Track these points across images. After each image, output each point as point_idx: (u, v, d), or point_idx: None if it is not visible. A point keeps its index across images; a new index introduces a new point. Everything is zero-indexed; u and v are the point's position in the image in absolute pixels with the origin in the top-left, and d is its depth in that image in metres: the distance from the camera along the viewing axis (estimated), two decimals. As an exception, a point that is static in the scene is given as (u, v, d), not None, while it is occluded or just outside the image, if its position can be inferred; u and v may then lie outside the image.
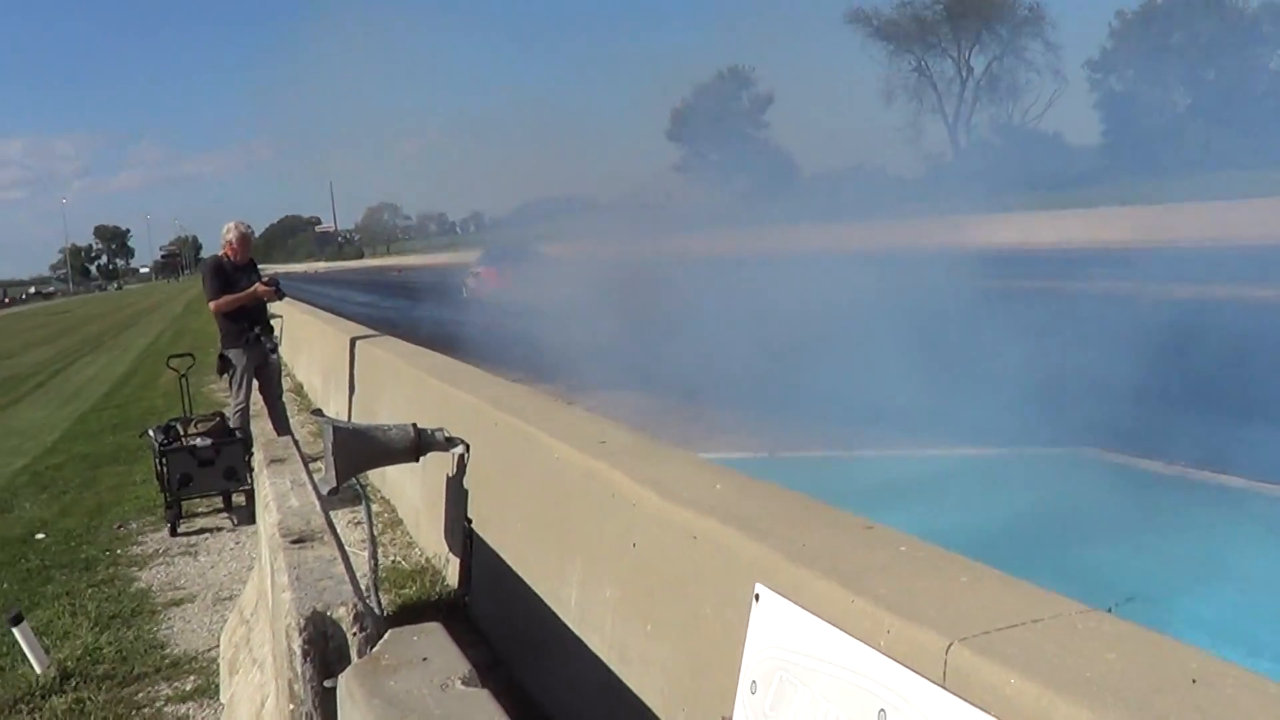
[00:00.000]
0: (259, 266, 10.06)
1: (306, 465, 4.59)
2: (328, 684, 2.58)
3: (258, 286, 9.38)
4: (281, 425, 9.74)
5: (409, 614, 5.62)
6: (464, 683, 2.26)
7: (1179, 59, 66.35)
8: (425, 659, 2.41)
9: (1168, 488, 7.93)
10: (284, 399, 10.44)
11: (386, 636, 2.56)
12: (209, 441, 8.12)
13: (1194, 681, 1.80)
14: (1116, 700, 1.75)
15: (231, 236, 9.51)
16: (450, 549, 6.13)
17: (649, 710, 3.35)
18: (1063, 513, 7.31)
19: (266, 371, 9.74)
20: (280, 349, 10.23)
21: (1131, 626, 2.06)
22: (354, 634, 2.63)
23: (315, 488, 4.13)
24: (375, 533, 6.32)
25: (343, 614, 2.65)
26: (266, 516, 3.98)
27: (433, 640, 2.52)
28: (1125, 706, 1.73)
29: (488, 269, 40.43)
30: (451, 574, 6.09)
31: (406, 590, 6.15)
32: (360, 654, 2.57)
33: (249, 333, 9.40)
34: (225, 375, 9.76)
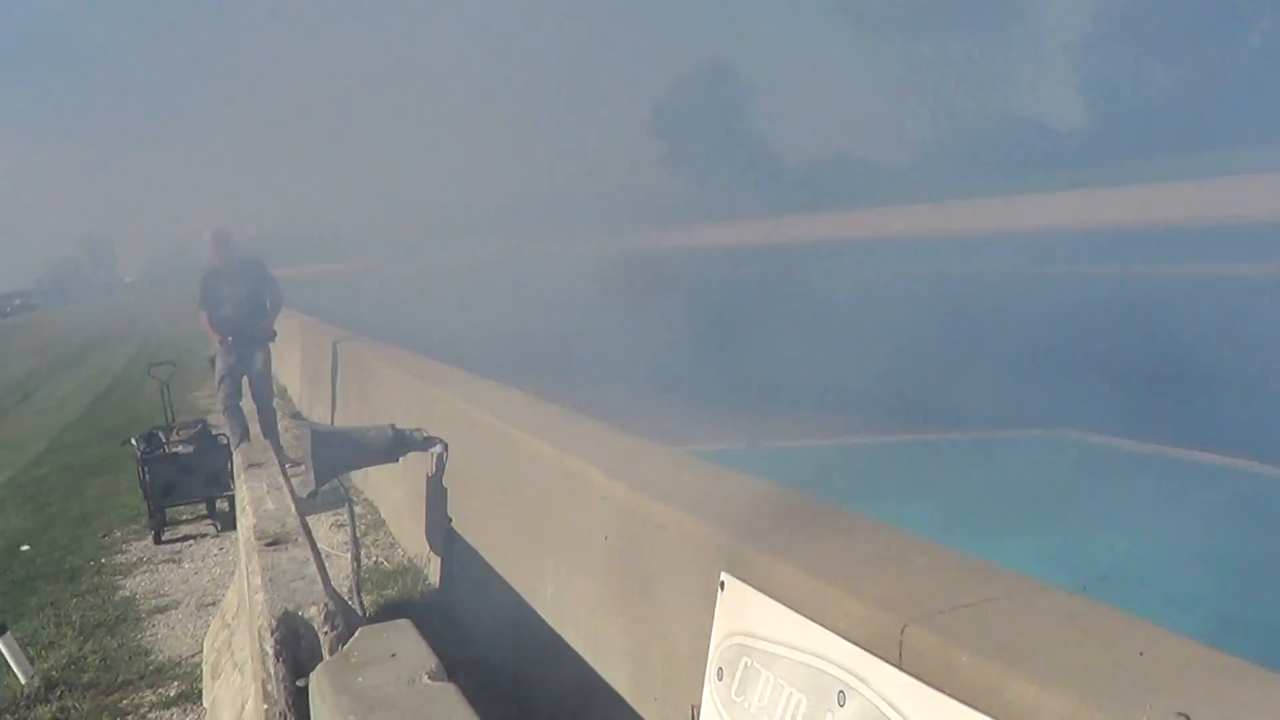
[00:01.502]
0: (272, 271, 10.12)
1: (284, 469, 4.61)
2: (300, 683, 2.60)
3: (211, 337, 9.75)
4: (269, 430, 9.81)
5: (391, 614, 5.59)
6: (431, 677, 2.28)
7: (1160, 38, 66.49)
8: (394, 655, 2.43)
9: (1143, 466, 7.99)
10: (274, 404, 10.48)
11: (357, 634, 2.58)
12: (190, 448, 8.11)
13: (1141, 654, 1.82)
14: (1064, 674, 1.77)
15: (208, 245, 9.66)
16: (431, 548, 6.14)
17: (623, 701, 3.37)
18: (1040, 493, 7.37)
19: (253, 380, 9.82)
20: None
21: (1085, 602, 2.09)
22: (325, 633, 2.65)
23: (292, 490, 4.15)
24: (358, 534, 6.33)
25: (314, 613, 2.67)
26: (244, 520, 3.99)
27: (402, 636, 2.55)
28: (1072, 680, 1.75)
29: None
30: (433, 573, 6.10)
31: (389, 590, 6.17)
32: (332, 652, 2.60)
33: (225, 340, 9.55)
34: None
